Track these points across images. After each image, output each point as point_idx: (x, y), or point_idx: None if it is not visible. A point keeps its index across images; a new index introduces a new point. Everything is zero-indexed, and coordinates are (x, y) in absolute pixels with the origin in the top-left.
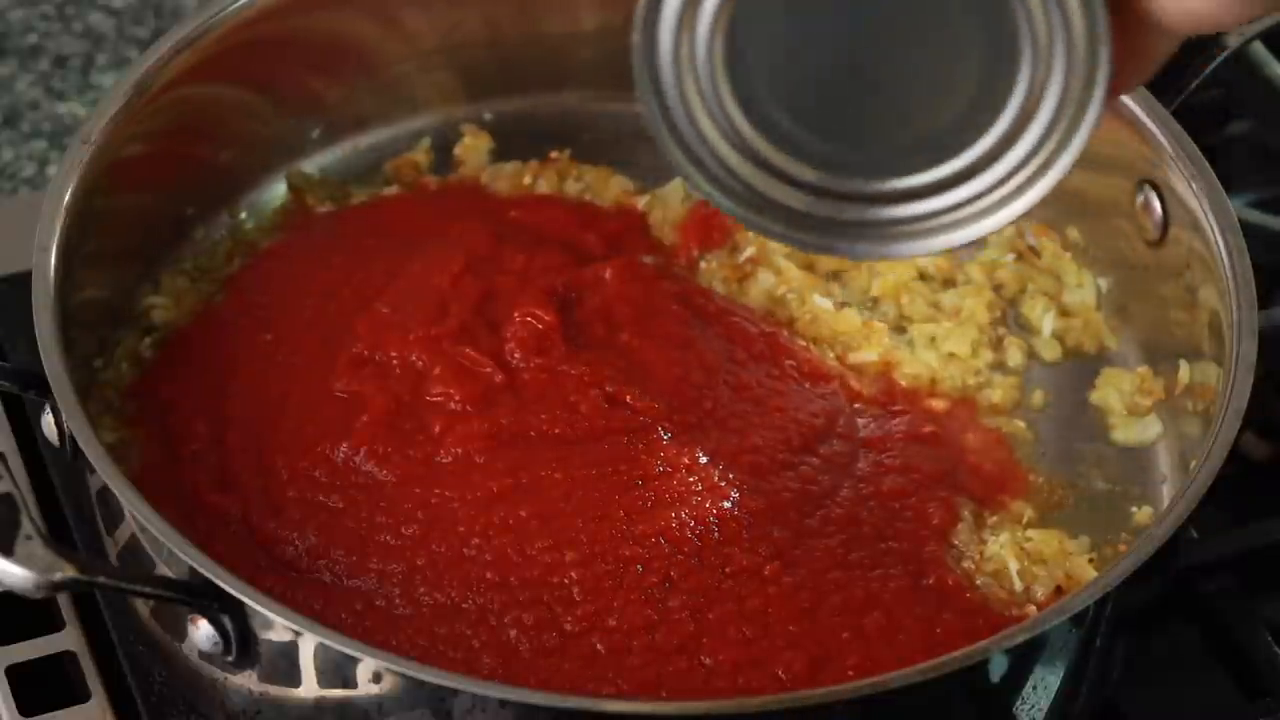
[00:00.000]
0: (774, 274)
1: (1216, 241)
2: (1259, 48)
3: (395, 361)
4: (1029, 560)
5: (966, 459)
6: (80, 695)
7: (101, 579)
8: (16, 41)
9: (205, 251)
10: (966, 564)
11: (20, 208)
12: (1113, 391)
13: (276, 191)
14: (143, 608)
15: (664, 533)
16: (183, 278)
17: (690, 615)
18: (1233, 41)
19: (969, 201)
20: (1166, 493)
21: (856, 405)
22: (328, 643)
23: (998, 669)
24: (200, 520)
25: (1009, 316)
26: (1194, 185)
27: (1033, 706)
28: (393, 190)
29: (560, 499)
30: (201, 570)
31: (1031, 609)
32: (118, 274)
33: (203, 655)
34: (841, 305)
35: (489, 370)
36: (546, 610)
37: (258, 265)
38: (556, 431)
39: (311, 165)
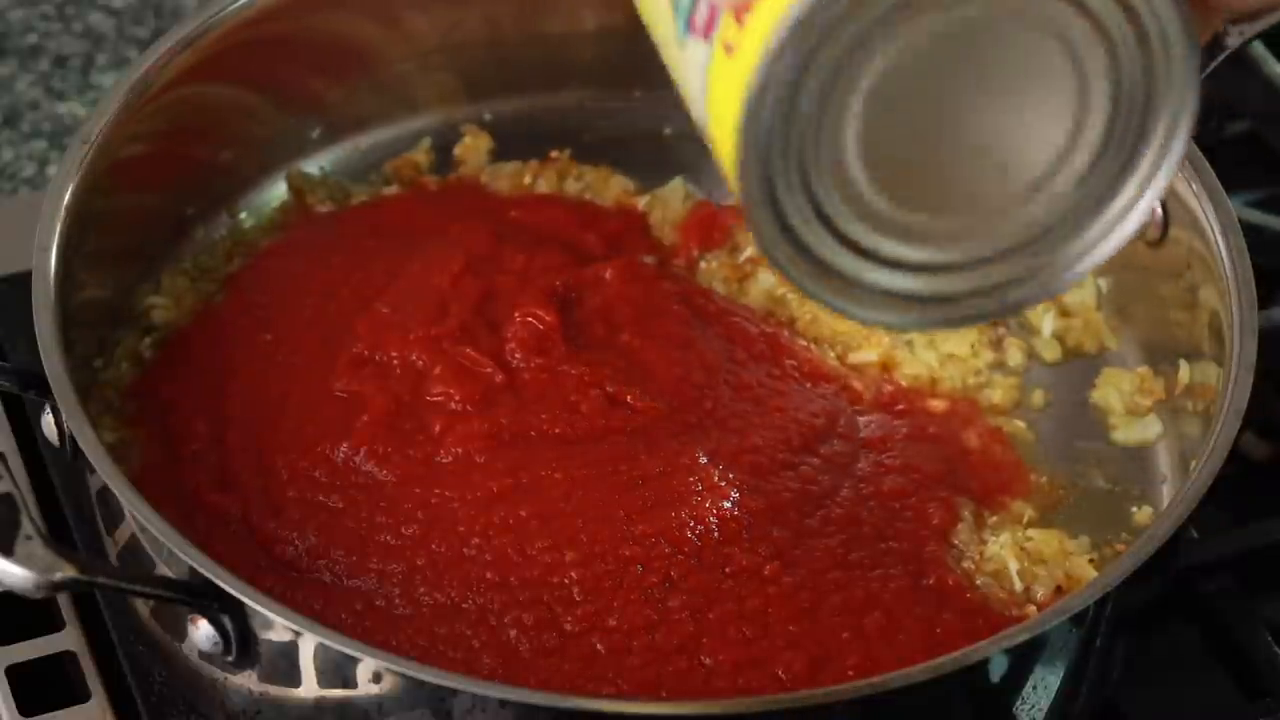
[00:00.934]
0: (774, 274)
1: (1216, 241)
2: (1259, 48)
3: (395, 361)
4: (1029, 560)
5: (967, 459)
6: (80, 695)
7: (101, 579)
8: (16, 41)
9: (205, 251)
10: (966, 564)
11: (20, 208)
12: (1113, 391)
13: (276, 191)
14: (143, 608)
15: (664, 533)
16: (183, 277)
17: (690, 615)
18: (1233, 41)
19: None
20: (1166, 493)
21: (857, 406)
22: (328, 643)
23: (998, 669)
24: (200, 520)
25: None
26: (1194, 185)
27: (1033, 706)
28: (392, 190)
29: (560, 499)
30: (201, 570)
31: (1031, 609)
32: (118, 274)
33: (203, 655)
34: None
35: (489, 370)
36: (546, 610)
37: (257, 265)
38: (557, 431)
39: (311, 165)
